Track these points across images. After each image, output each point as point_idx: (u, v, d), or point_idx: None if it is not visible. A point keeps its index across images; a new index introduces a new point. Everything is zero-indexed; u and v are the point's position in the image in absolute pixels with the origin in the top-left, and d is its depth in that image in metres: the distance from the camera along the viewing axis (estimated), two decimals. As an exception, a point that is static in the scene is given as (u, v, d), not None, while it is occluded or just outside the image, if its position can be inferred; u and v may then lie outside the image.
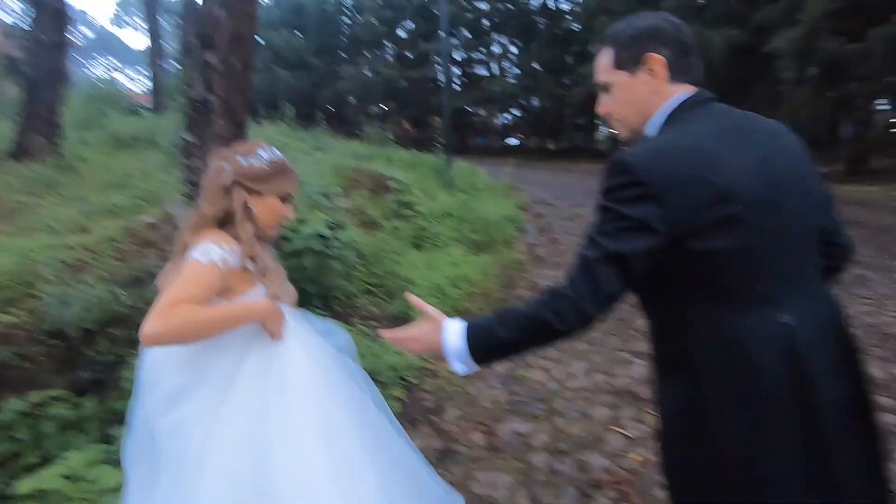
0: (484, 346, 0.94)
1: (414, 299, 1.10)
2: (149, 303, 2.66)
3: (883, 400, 2.50)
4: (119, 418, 2.17)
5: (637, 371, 2.91)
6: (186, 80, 3.53)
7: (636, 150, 0.91)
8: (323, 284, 3.27)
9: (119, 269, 2.90)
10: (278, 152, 1.26)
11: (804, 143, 1.00)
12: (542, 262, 5.33)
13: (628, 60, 1.00)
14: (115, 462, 1.95)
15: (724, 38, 12.59)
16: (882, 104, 13.36)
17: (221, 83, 3.34)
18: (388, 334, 1.04)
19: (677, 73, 0.98)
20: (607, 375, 2.89)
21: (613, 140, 23.36)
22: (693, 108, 0.96)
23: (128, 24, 50.75)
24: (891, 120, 13.02)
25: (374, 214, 5.17)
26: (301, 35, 29.24)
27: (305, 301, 3.21)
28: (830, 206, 1.04)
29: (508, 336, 0.92)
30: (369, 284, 3.79)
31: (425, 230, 5.11)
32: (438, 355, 0.97)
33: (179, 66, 13.14)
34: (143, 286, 2.80)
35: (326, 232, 3.25)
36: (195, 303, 1.05)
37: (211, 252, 1.10)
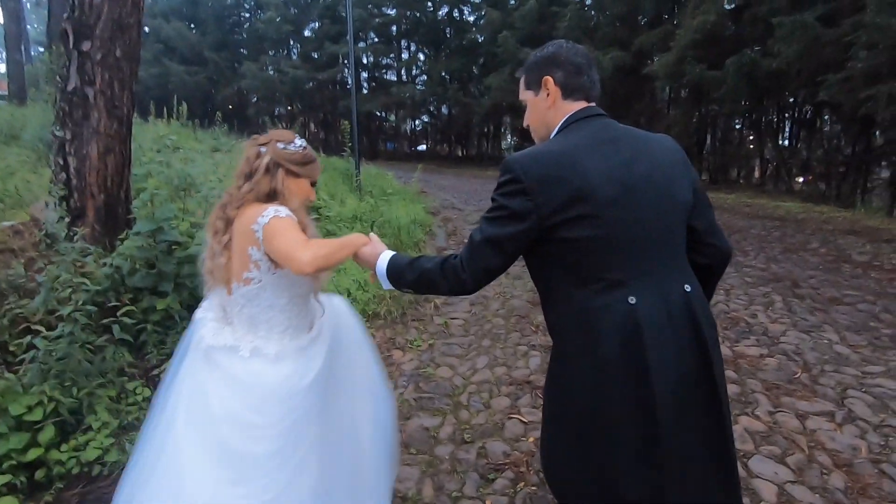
0: (395, 279, 1.26)
1: (372, 236, 1.39)
2: (15, 318, 2.37)
3: (728, 373, 2.96)
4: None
5: (534, 363, 3.14)
6: (59, 71, 3.18)
7: (519, 154, 1.11)
8: (222, 291, 3.12)
9: (-26, 280, 2.54)
10: (307, 144, 1.46)
11: (683, 155, 1.20)
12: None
13: (533, 82, 1.23)
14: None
15: (611, 59, 13.85)
16: (737, 123, 15.53)
17: (101, 75, 3.07)
18: (363, 249, 1.33)
19: (570, 91, 1.19)
20: (508, 368, 3.09)
21: (518, 148, 24.61)
22: (578, 122, 1.16)
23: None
24: (749, 137, 15.14)
25: (278, 218, 5.00)
26: (195, 28, 27.19)
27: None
28: (704, 211, 1.20)
29: (411, 279, 1.22)
30: (274, 290, 3.67)
31: (333, 234, 5.05)
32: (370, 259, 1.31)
33: (45, 51, 11.63)
34: (4, 299, 2.49)
35: (225, 236, 3.10)
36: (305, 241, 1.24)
37: (280, 210, 1.28)
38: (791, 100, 13.35)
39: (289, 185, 1.38)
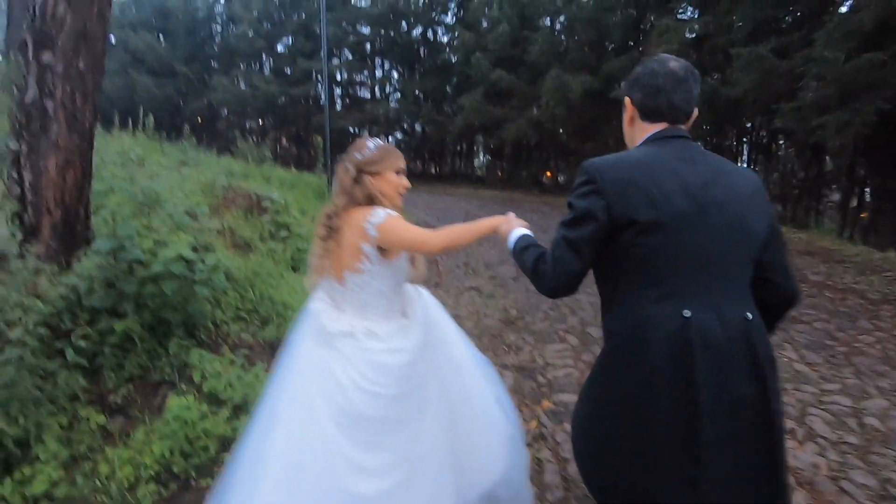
0: (515, 252, 1.36)
1: (510, 214, 1.52)
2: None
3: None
4: None
5: (507, 382, 3.13)
6: (15, 82, 3.05)
7: (597, 159, 1.18)
8: (188, 312, 3.00)
9: (-88, 301, 2.37)
10: (380, 140, 1.64)
11: (762, 190, 1.20)
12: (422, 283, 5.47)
13: (623, 101, 1.31)
14: None
15: (580, 83, 14.31)
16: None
17: (63, 87, 2.96)
18: (500, 228, 1.46)
19: (647, 113, 1.24)
20: (481, 389, 3.06)
21: (489, 167, 24.94)
22: (656, 141, 1.21)
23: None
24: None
25: (247, 236, 4.89)
26: (164, 40, 26.72)
27: (167, 331, 2.92)
28: (776, 247, 1.20)
29: (520, 261, 1.31)
30: (242, 310, 3.56)
31: (304, 252, 4.96)
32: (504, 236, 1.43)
33: (2, 59, 11.17)
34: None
35: (190, 255, 3.00)
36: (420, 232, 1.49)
37: (388, 211, 1.51)
38: (748, 125, 14.06)
39: (378, 186, 1.57)
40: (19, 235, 2.79)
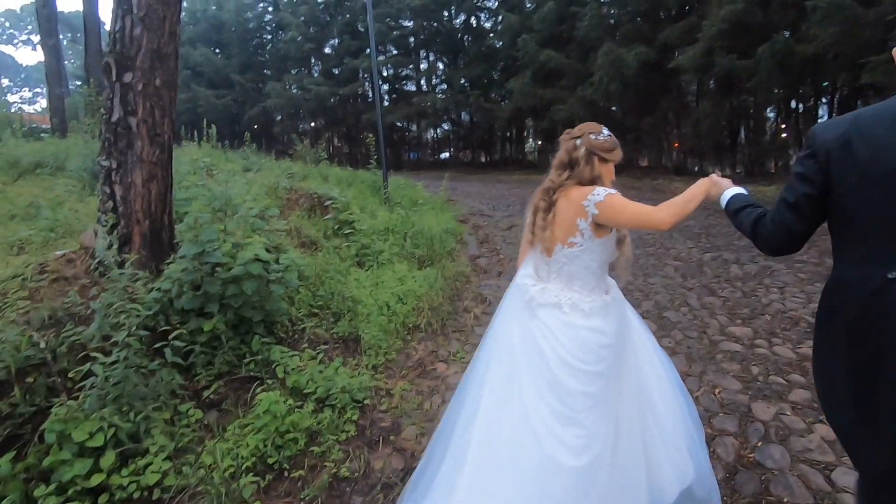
0: (729, 213, 1.43)
1: (713, 176, 1.56)
2: (71, 346, 2.43)
3: (795, 377, 2.79)
4: (44, 476, 1.97)
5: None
6: (103, 103, 3.28)
7: (822, 121, 1.25)
8: (266, 310, 3.14)
9: (32, 310, 2.62)
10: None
11: None
12: (485, 272, 5.44)
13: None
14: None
15: (635, 55, 13.59)
16: (771, 113, 14.99)
17: (143, 104, 3.15)
18: (710, 192, 1.50)
19: None
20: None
21: (540, 152, 24.39)
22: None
23: (16, 38, 46.33)
24: (781, 126, 14.63)
25: (312, 234, 5.04)
26: (220, 52, 28.11)
27: (248, 329, 3.07)
28: None
29: (736, 221, 1.39)
30: (314, 307, 3.68)
31: (367, 248, 5.05)
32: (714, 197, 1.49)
33: (81, 84, 12.17)
34: (61, 327, 2.55)
35: (266, 255, 3.13)
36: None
37: (608, 190, 1.56)
38: (826, 84, 12.82)
39: (601, 170, 1.64)
40: (116, 245, 3.01)
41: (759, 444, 2.25)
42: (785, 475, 2.03)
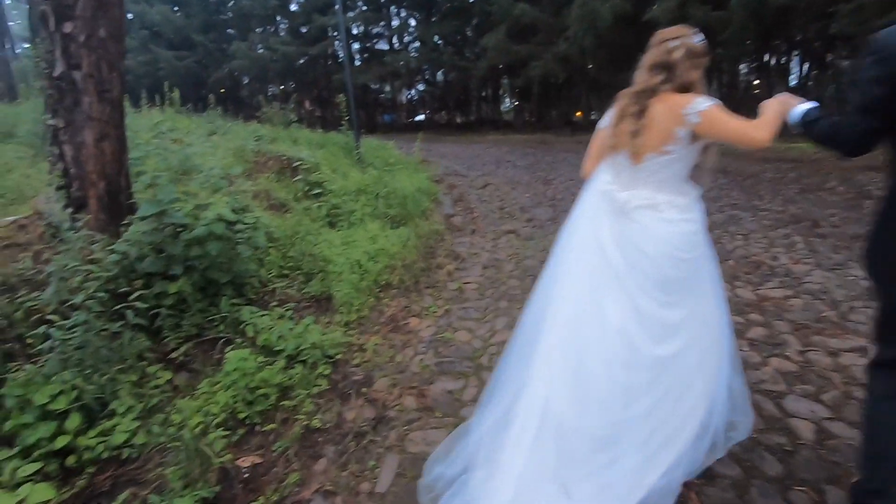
0: (806, 125, 1.47)
1: (782, 95, 1.59)
2: (28, 311, 2.35)
3: (754, 316, 2.89)
4: (6, 440, 1.94)
5: (553, 320, 3.09)
6: (44, 57, 3.07)
7: (881, 30, 1.28)
8: (234, 272, 3.08)
9: (-17, 276, 2.51)
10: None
11: None
12: (459, 230, 5.43)
13: None
14: (4, 487, 1.74)
15: (609, 8, 13.31)
16: (744, 68, 14.99)
17: (88, 57, 2.95)
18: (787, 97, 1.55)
19: None
20: (527, 327, 3.05)
21: (516, 111, 24.06)
22: None
23: (-43, -1, 42.76)
24: (753, 81, 14.68)
25: (282, 196, 4.93)
26: (179, 11, 26.49)
27: (216, 291, 3.01)
28: None
29: (815, 132, 1.44)
30: (284, 268, 3.64)
31: (339, 208, 4.97)
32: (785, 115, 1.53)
33: (30, 46, 11.38)
34: (15, 293, 2.46)
35: (230, 215, 3.04)
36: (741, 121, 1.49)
37: (711, 100, 1.51)
38: (798, 39, 12.83)
39: (696, 75, 1.61)
40: (69, 208, 2.88)
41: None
42: (740, 406, 2.12)
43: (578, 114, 20.86)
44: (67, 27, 2.92)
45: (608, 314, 1.58)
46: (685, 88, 1.60)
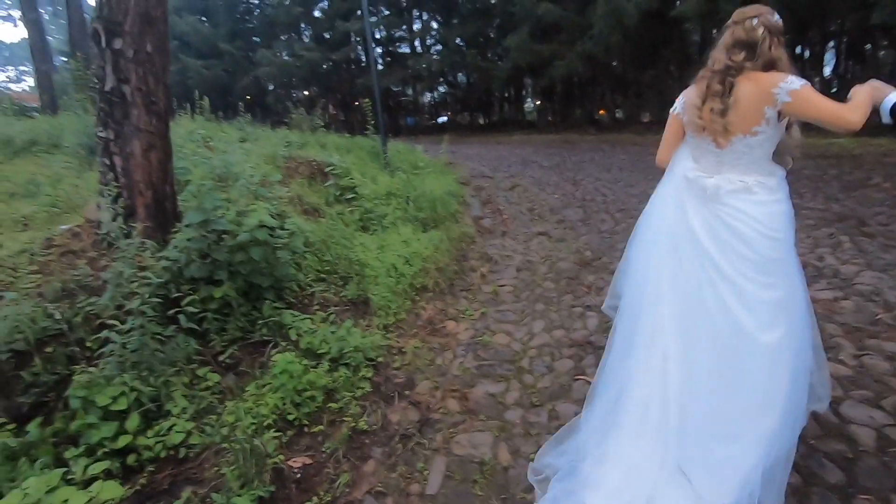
0: (892, 114, 1.45)
1: (873, 81, 1.54)
2: (87, 316, 2.46)
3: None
4: (72, 439, 2.03)
5: (592, 323, 3.07)
6: (95, 72, 3.20)
7: None
8: (275, 276, 3.15)
9: (44, 283, 2.64)
10: None
11: None
12: (489, 232, 5.43)
13: None
14: (76, 484, 1.82)
15: (635, 5, 13.11)
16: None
17: (136, 72, 3.07)
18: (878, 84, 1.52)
19: None
20: (566, 330, 3.03)
21: (540, 111, 23.89)
22: None
23: (-3, 16, 44.84)
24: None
25: (314, 201, 5.01)
26: (207, 20, 27.22)
27: (258, 295, 3.09)
28: None
29: None
30: (321, 272, 3.70)
31: (370, 212, 5.03)
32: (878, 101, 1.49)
33: (68, 59, 11.85)
34: (74, 298, 2.58)
35: (271, 221, 3.11)
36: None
37: (802, 80, 1.48)
38: (832, 29, 12.40)
39: (780, 53, 1.57)
40: (121, 216, 2.99)
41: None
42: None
43: (602, 112, 20.60)
44: (117, 43, 3.04)
45: (711, 302, 1.59)
46: (769, 66, 1.57)
